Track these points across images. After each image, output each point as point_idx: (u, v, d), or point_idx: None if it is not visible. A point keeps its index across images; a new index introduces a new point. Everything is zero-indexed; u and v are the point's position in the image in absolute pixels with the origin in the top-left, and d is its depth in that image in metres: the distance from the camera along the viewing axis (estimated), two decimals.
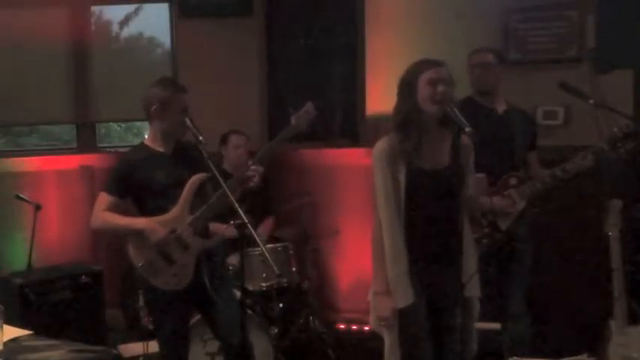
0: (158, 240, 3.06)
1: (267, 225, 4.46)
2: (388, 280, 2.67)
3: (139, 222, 3.11)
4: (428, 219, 2.69)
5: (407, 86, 2.69)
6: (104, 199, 3.15)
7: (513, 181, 3.49)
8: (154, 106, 3.13)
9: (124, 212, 3.18)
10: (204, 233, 3.21)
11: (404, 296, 2.64)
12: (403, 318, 2.67)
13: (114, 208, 3.14)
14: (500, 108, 3.64)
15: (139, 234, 3.10)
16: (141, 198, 3.16)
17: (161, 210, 3.10)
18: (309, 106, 3.23)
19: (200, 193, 3.14)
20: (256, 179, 3.11)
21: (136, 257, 3.15)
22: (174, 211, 3.09)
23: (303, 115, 3.19)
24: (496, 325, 3.62)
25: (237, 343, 3.19)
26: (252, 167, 3.12)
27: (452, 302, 2.75)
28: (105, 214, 3.13)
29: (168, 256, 3.10)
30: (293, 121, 3.19)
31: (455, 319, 2.74)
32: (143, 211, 3.14)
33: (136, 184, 3.14)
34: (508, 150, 3.57)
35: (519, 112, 3.72)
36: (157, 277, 3.13)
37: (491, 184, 3.43)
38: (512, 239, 3.51)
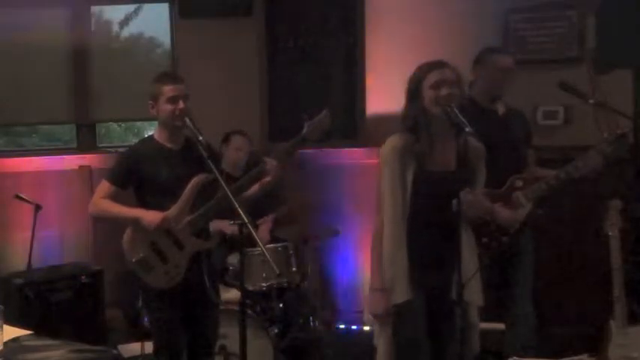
0: (154, 228, 3.05)
1: (266, 224, 4.46)
2: (385, 278, 2.66)
3: (135, 211, 3.12)
4: (430, 220, 2.68)
5: (413, 90, 2.70)
6: (105, 187, 3.16)
7: (519, 183, 3.49)
8: (149, 102, 3.16)
9: (123, 202, 3.19)
10: (203, 234, 3.21)
11: (401, 292, 2.64)
12: (400, 317, 2.66)
13: (113, 198, 3.15)
14: (501, 109, 3.64)
15: (135, 227, 3.11)
16: (142, 192, 3.16)
17: (161, 207, 3.10)
18: (324, 115, 3.10)
19: (203, 193, 3.13)
20: (272, 173, 3.05)
21: (130, 252, 3.16)
22: (173, 210, 3.09)
23: (316, 124, 3.08)
24: (500, 325, 3.63)
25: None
26: (268, 160, 3.06)
27: (450, 304, 2.74)
28: (103, 201, 3.14)
29: (162, 253, 3.11)
30: (305, 128, 3.07)
31: (453, 321, 2.73)
32: (143, 205, 3.14)
33: (139, 178, 3.14)
34: (511, 152, 3.56)
35: (516, 112, 3.72)
36: (149, 274, 3.14)
37: (498, 187, 3.44)
38: (518, 240, 3.51)
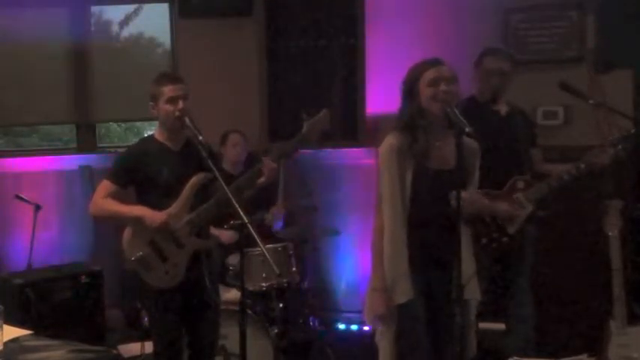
0: (156, 226, 3.04)
1: (280, 208, 4.43)
2: (386, 278, 2.66)
3: (137, 209, 3.11)
4: (430, 219, 2.68)
5: (409, 89, 2.68)
6: (105, 186, 3.16)
7: (520, 184, 3.49)
8: (149, 102, 3.15)
9: (124, 201, 3.18)
10: (202, 234, 3.21)
11: (403, 292, 2.64)
12: (403, 315, 2.66)
13: (114, 197, 3.14)
14: (503, 109, 3.64)
15: (136, 226, 3.11)
16: (142, 191, 3.16)
17: (161, 205, 3.09)
18: (323, 114, 3.09)
19: (203, 192, 3.13)
20: (267, 173, 3.03)
21: (130, 250, 3.16)
22: (173, 208, 3.09)
23: (316, 124, 3.06)
24: (500, 326, 3.63)
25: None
26: (265, 159, 3.05)
27: (449, 303, 2.74)
28: (104, 201, 3.13)
29: (162, 252, 3.11)
30: (305, 128, 3.05)
31: (452, 320, 2.73)
32: (143, 204, 3.14)
33: (139, 177, 3.14)
34: (514, 151, 3.57)
35: (519, 112, 3.72)
36: (149, 273, 3.13)
37: (499, 187, 3.44)
38: (518, 241, 3.51)
